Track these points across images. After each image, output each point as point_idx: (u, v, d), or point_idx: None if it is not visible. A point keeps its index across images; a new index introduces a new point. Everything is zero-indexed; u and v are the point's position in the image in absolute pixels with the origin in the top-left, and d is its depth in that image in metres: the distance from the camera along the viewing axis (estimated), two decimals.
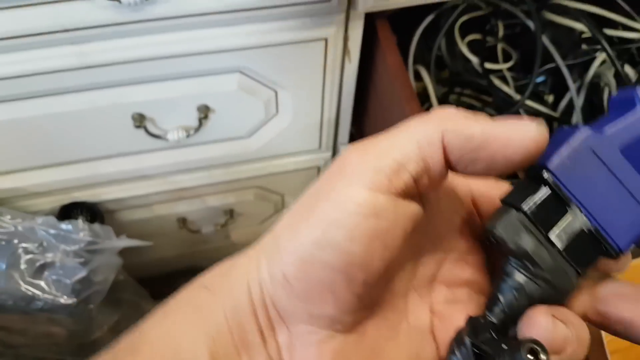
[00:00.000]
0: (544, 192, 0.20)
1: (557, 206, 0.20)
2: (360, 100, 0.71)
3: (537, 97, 0.65)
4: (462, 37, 0.68)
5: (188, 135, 0.62)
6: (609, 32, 0.68)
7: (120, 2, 0.47)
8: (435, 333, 0.23)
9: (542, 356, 0.18)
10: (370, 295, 0.21)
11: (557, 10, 0.65)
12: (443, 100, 0.66)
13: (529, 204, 0.20)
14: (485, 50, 0.69)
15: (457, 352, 0.21)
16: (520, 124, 0.20)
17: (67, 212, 0.70)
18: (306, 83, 0.64)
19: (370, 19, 0.61)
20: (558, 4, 0.67)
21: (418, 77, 0.67)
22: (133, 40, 0.53)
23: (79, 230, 0.61)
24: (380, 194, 0.19)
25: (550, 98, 0.65)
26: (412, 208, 0.20)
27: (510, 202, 0.21)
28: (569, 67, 0.61)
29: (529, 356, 0.18)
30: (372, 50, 0.64)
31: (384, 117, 0.66)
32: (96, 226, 0.64)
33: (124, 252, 0.75)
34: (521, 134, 0.19)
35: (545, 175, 0.20)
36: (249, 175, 0.76)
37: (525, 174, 0.22)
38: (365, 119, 0.75)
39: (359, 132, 0.79)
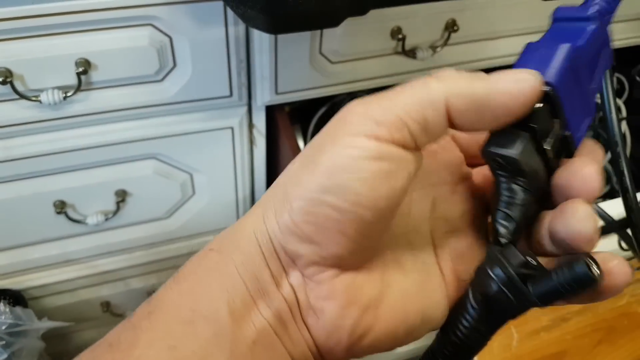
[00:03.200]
0: (542, 108, 0.22)
1: (548, 119, 0.22)
2: (273, 178, 0.79)
3: None
4: None
5: (107, 219, 0.67)
6: None
7: (41, 102, 0.54)
8: (440, 263, 0.25)
9: (595, 269, 0.19)
10: (375, 234, 0.22)
11: None
12: None
13: (539, 126, 0.22)
14: None
15: (501, 287, 0.21)
16: (517, 76, 0.21)
17: None
18: (219, 166, 0.71)
19: (272, 110, 0.70)
20: None
21: None
22: (54, 134, 0.59)
23: (1, 313, 0.64)
24: (382, 143, 0.20)
25: None
26: (412, 156, 0.22)
27: (520, 127, 0.22)
28: None
29: (588, 268, 0.19)
30: (277, 136, 0.73)
31: None
32: (18, 309, 0.67)
33: (48, 339, 0.76)
34: (520, 86, 0.21)
35: (549, 90, 0.22)
36: (170, 255, 0.80)
37: None
38: None
39: None
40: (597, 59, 0.24)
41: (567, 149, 0.23)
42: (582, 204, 0.21)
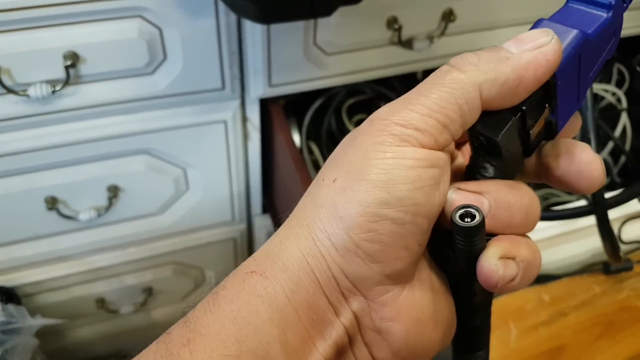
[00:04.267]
0: (536, 92, 0.22)
1: (539, 103, 0.22)
2: (269, 173, 0.78)
3: None
4: (352, 116, 0.78)
5: (99, 215, 0.66)
6: None
7: (29, 96, 0.53)
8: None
9: (476, 213, 0.20)
10: (425, 243, 0.21)
11: None
12: None
13: (527, 108, 0.22)
14: None
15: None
16: (537, 41, 0.21)
17: None
18: (212, 161, 0.70)
19: (267, 103, 0.69)
20: None
21: (313, 151, 0.75)
22: (43, 129, 0.58)
23: None
24: (430, 150, 0.21)
25: None
26: (449, 155, 0.22)
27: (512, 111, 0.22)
28: None
29: (465, 219, 0.20)
30: (271, 130, 0.72)
31: (285, 187, 0.73)
32: (10, 307, 0.66)
33: (42, 337, 0.76)
34: (544, 52, 0.21)
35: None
36: (164, 251, 0.80)
37: None
38: (273, 190, 0.82)
39: (270, 202, 0.85)
40: (603, 49, 0.23)
41: (549, 133, 0.23)
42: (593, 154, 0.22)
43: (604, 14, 0.22)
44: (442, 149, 0.21)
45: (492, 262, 0.21)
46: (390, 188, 0.20)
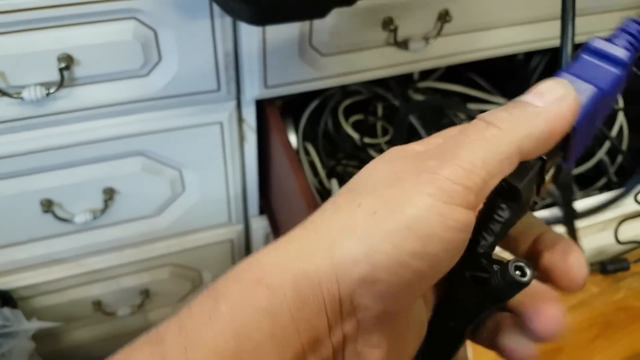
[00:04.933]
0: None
1: (555, 152, 0.23)
2: (266, 174, 0.78)
3: None
4: (349, 117, 0.78)
5: (95, 217, 0.66)
6: (472, 106, 0.80)
7: (23, 99, 0.52)
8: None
9: (528, 271, 0.21)
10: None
11: (423, 92, 0.76)
12: (332, 171, 0.74)
13: (547, 158, 0.23)
14: (370, 127, 0.79)
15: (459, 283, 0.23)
16: (558, 94, 0.22)
17: None
18: (208, 162, 0.70)
19: (263, 105, 0.69)
20: (425, 87, 0.78)
21: (309, 152, 0.75)
22: (38, 132, 0.58)
23: None
24: (470, 211, 0.21)
25: None
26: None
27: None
28: None
29: (517, 272, 0.21)
30: (268, 131, 0.72)
31: (281, 188, 0.73)
32: (5, 310, 0.66)
33: (39, 340, 0.75)
34: (568, 104, 0.22)
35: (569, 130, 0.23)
36: (161, 253, 0.79)
37: None
38: (270, 191, 0.82)
39: (267, 203, 0.85)
40: (613, 100, 0.25)
41: (556, 177, 0.25)
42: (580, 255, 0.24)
43: (617, 71, 0.23)
44: (477, 206, 0.21)
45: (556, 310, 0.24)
46: (427, 245, 0.20)
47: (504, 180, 0.22)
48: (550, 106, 0.22)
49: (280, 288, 0.20)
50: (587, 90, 0.23)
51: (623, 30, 0.24)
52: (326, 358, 0.21)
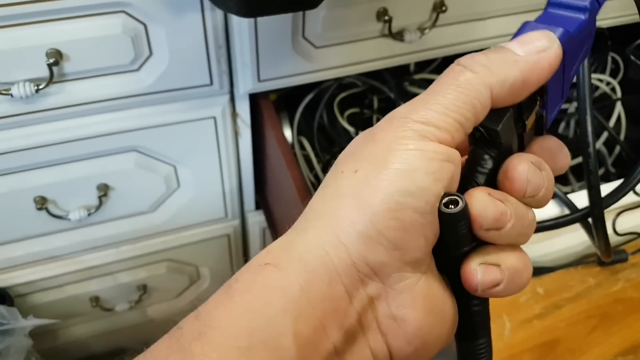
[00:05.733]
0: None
1: (532, 97, 0.24)
2: (261, 169, 0.78)
3: None
4: (344, 110, 0.77)
5: (89, 214, 0.66)
6: None
7: (12, 96, 0.52)
8: None
9: (460, 201, 0.21)
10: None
11: (419, 84, 0.76)
12: (327, 165, 0.73)
13: (524, 102, 0.24)
14: (366, 120, 0.78)
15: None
16: (541, 45, 0.23)
17: None
18: (203, 157, 0.69)
19: (257, 99, 0.68)
20: (420, 78, 0.78)
21: (304, 147, 0.74)
22: (29, 129, 0.57)
23: None
24: (447, 146, 0.22)
25: None
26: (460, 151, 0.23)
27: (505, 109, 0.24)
28: None
29: (450, 206, 0.21)
30: (262, 125, 0.71)
31: (277, 182, 0.73)
32: (1, 308, 0.66)
33: (37, 337, 0.75)
34: (548, 57, 0.23)
35: None
36: (158, 249, 0.79)
37: None
38: (266, 186, 0.82)
39: (263, 198, 0.85)
40: (582, 48, 0.26)
41: (539, 127, 0.25)
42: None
43: (581, 16, 0.25)
44: (457, 146, 0.22)
45: (472, 266, 0.22)
46: (414, 178, 0.21)
47: (482, 126, 0.23)
48: (530, 56, 0.23)
49: (288, 265, 0.21)
50: (556, 32, 0.24)
51: None
52: (352, 327, 0.21)
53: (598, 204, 0.39)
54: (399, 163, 0.21)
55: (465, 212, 0.22)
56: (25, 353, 0.71)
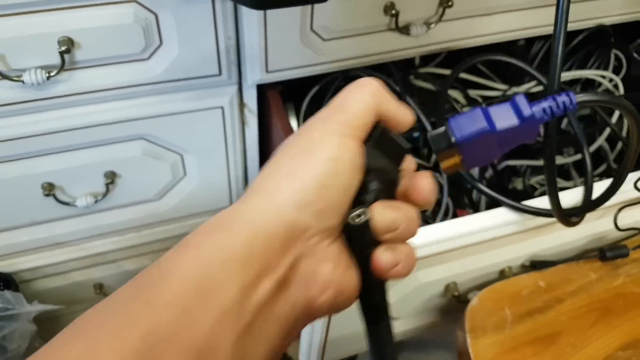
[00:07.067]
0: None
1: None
2: (267, 158, 0.78)
3: (414, 150, 0.74)
4: None
5: (96, 201, 0.66)
6: (473, 92, 0.80)
7: (23, 82, 0.52)
8: None
9: (363, 214, 0.28)
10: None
11: (424, 77, 0.76)
12: None
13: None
14: None
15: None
16: (359, 88, 0.29)
17: None
18: (210, 146, 0.70)
19: (264, 89, 0.69)
20: (426, 72, 0.78)
21: None
22: (38, 115, 0.58)
23: None
24: (355, 141, 0.28)
25: (424, 151, 0.75)
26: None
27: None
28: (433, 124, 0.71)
29: (359, 218, 0.28)
30: (269, 115, 0.72)
31: None
32: (7, 293, 0.66)
33: (41, 322, 0.76)
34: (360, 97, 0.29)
35: (453, 140, 0.30)
36: (163, 237, 0.80)
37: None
38: None
39: None
40: (519, 138, 0.30)
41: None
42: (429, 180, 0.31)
43: (516, 121, 0.29)
44: (358, 139, 0.28)
45: (378, 253, 0.28)
46: (337, 164, 0.27)
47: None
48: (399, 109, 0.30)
49: (234, 227, 0.25)
50: (480, 124, 0.29)
51: (552, 98, 0.30)
52: (281, 279, 0.25)
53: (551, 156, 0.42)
54: (323, 153, 0.27)
55: (367, 223, 0.28)
56: (29, 338, 0.72)
